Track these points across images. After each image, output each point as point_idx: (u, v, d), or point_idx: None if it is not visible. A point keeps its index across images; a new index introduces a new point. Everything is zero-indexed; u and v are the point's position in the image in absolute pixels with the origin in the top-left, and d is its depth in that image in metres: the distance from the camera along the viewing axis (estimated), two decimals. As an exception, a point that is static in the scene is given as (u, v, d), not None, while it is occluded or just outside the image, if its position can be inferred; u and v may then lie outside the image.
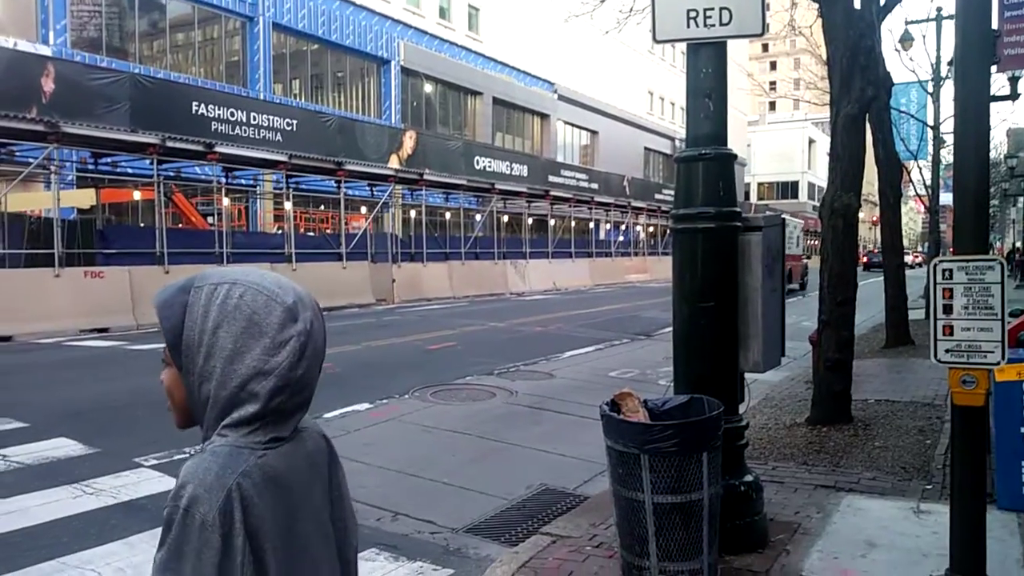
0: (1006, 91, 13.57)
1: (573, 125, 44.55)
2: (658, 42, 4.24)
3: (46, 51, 19.29)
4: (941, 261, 3.12)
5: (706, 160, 4.04)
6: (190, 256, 16.83)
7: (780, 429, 6.62)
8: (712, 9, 3.99)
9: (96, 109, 17.56)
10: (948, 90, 17.88)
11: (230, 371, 1.12)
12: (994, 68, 6.83)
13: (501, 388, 8.94)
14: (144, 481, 5.36)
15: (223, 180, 19.91)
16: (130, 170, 19.19)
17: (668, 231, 41.48)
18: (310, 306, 1.18)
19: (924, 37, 18.41)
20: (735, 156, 4.22)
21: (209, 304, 1.13)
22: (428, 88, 33.97)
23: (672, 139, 54.12)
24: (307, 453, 1.23)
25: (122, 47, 22.92)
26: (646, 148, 52.56)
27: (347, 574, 1.32)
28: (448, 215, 28.52)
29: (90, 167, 18.08)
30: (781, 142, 76.47)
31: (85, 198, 19.03)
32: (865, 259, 44.10)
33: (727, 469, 3.77)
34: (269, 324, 1.13)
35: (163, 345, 1.19)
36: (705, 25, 4.01)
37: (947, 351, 3.11)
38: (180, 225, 21.37)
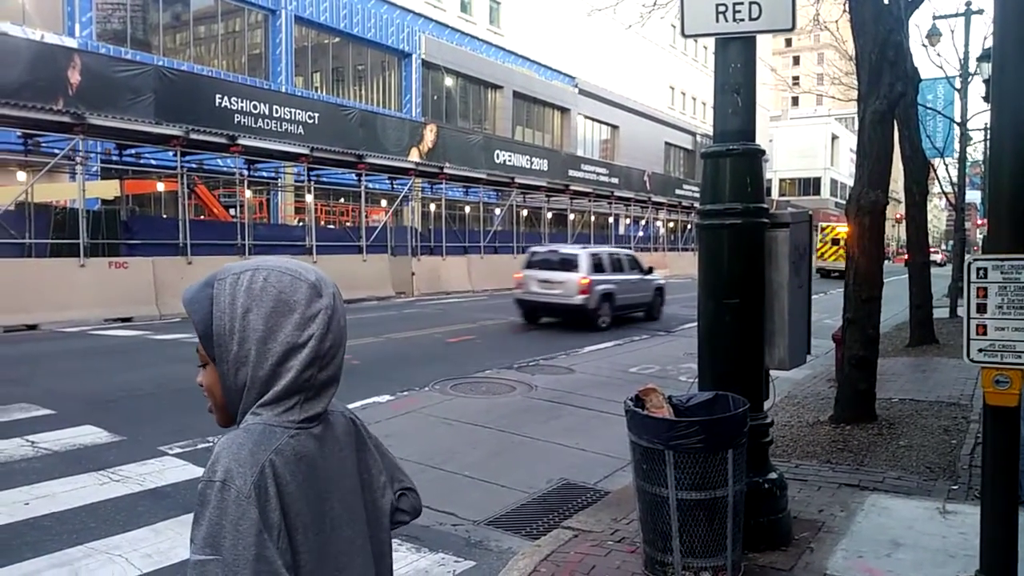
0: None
1: (594, 119, 44.38)
2: (687, 37, 4.21)
3: (72, 43, 19.50)
4: (976, 260, 3.07)
5: (734, 156, 4.01)
6: (212, 247, 16.97)
7: (803, 427, 6.57)
8: (742, 4, 3.96)
9: (121, 101, 17.71)
10: (975, 86, 17.64)
11: (264, 351, 1.15)
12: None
13: (521, 382, 8.95)
14: (169, 469, 5.42)
15: (245, 172, 20.04)
16: (153, 162, 19.39)
17: (688, 226, 41.32)
18: (330, 284, 1.23)
19: (952, 32, 18.12)
20: (763, 152, 4.19)
21: (235, 292, 1.16)
22: (449, 82, 33.97)
23: (693, 134, 53.78)
24: (337, 436, 1.26)
25: (146, 39, 23.12)
26: (667, 143, 52.27)
27: (381, 555, 1.33)
28: (468, 209, 28.52)
29: (114, 158, 18.24)
30: (804, 138, 75.66)
31: (109, 189, 19.23)
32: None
33: (751, 466, 3.75)
34: (297, 301, 1.17)
35: (187, 335, 1.22)
36: (735, 20, 3.98)
37: (980, 350, 3.07)
38: (203, 217, 21.54)
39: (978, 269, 3.03)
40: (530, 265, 14.94)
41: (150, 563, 3.87)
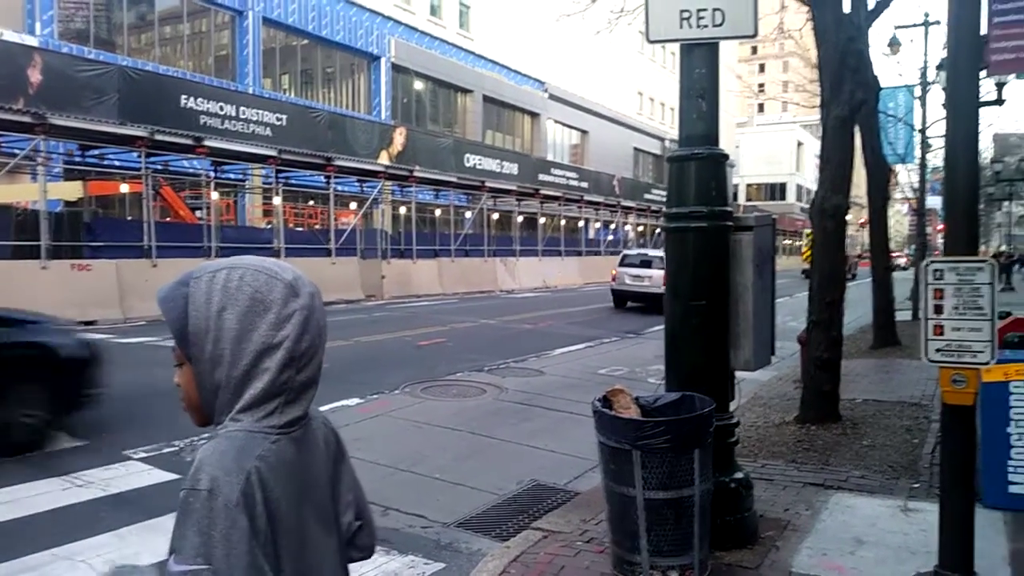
0: (993, 96, 13.72)
1: (563, 124, 44.59)
2: (651, 42, 4.27)
3: (33, 42, 19.10)
4: (932, 262, 3.16)
5: (698, 160, 4.07)
6: (178, 250, 16.72)
7: (769, 427, 6.68)
8: (705, 10, 4.02)
9: (84, 101, 17.40)
10: (935, 94, 18.05)
11: (239, 351, 1.14)
12: (983, 73, 6.90)
13: (491, 384, 8.96)
14: (134, 474, 5.34)
15: (212, 174, 19.79)
16: (118, 163, 19.05)
17: (657, 231, 41.65)
18: (308, 284, 1.22)
19: (912, 42, 18.54)
20: (726, 156, 4.26)
21: (211, 290, 1.15)
22: (419, 85, 33.90)
23: (662, 140, 54.26)
24: (316, 442, 1.25)
25: (110, 39, 22.73)
26: (636, 148, 52.67)
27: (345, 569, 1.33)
28: (438, 212, 28.47)
29: (77, 159, 17.91)
30: (769, 144, 76.79)
31: (72, 190, 18.86)
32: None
33: (718, 466, 3.81)
34: (272, 300, 1.16)
35: (152, 339, 1.22)
36: (698, 26, 4.04)
37: (938, 351, 3.15)
38: (168, 219, 21.22)
39: (935, 271, 3.11)
40: (623, 264, 19.86)
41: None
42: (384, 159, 26.23)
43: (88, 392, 6.18)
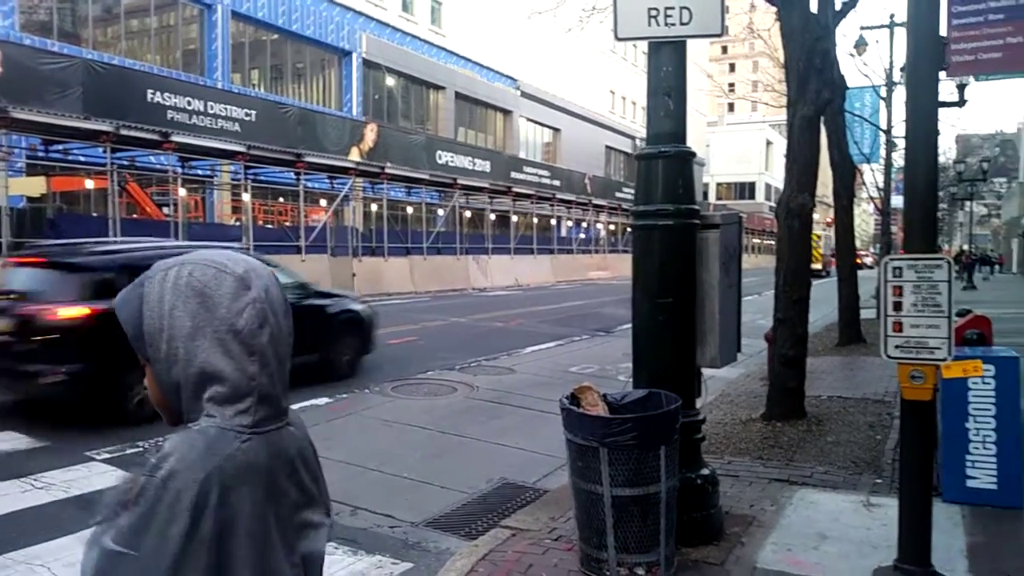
0: (955, 98, 13.97)
1: (536, 122, 44.63)
2: (620, 39, 4.28)
3: (-7, 34, 18.69)
4: (891, 259, 3.21)
5: (665, 158, 4.09)
6: (144, 247, 16.43)
7: (736, 424, 6.74)
8: (673, 9, 4.04)
9: (47, 95, 17.03)
10: (900, 95, 18.35)
11: (193, 348, 1.12)
12: (943, 75, 7.03)
13: (462, 383, 8.94)
14: (96, 475, 5.25)
15: (179, 170, 19.52)
16: (83, 158, 18.68)
17: (629, 229, 41.87)
18: (264, 275, 1.18)
19: (878, 43, 18.84)
20: (694, 154, 4.29)
21: (163, 289, 1.13)
22: (390, 81, 33.71)
23: (633, 138, 54.52)
24: (289, 448, 1.21)
25: (75, 32, 22.29)
26: (607, 147, 52.91)
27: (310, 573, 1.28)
28: (410, 209, 28.33)
29: (40, 154, 17.55)
30: (739, 143, 77.61)
31: (35, 186, 18.46)
32: None
33: (684, 463, 3.83)
34: (221, 295, 1.13)
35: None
36: (666, 24, 4.06)
37: (896, 347, 3.20)
38: (135, 216, 20.88)
39: (894, 268, 3.16)
40: None
41: (73, 572, 3.72)
42: (355, 155, 26.05)
43: (372, 343, 9.72)
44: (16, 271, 7.11)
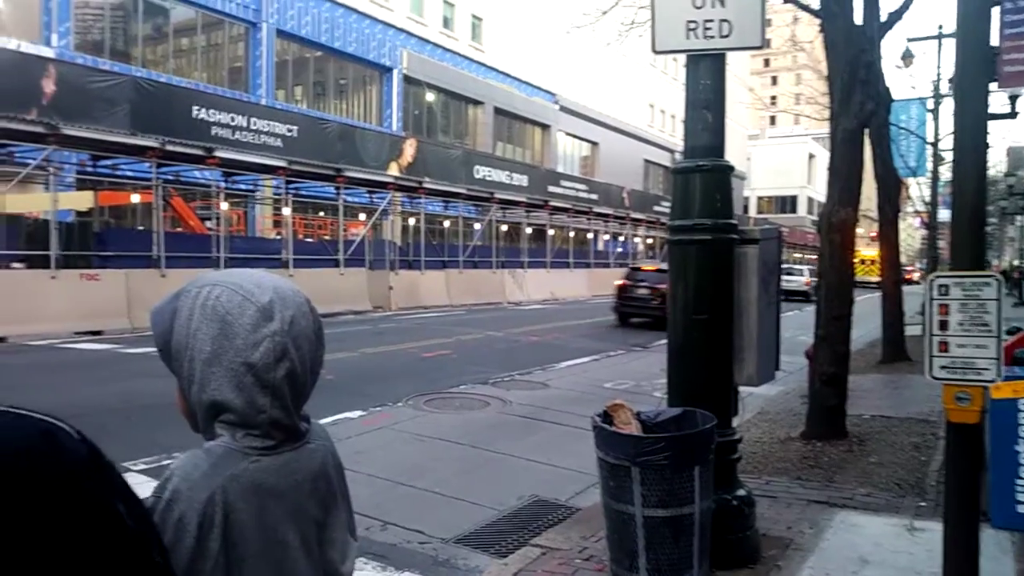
0: (1007, 109, 13.61)
1: (574, 136, 44.63)
2: (657, 53, 4.23)
3: (49, 53, 19.28)
4: (938, 276, 3.09)
5: (703, 172, 4.03)
6: (187, 260, 16.78)
7: (774, 443, 6.58)
8: (712, 21, 3.99)
9: (96, 111, 17.52)
10: (948, 107, 17.94)
11: (208, 374, 1.10)
12: (994, 86, 6.83)
13: (495, 397, 8.90)
14: (133, 487, 5.29)
15: (222, 184, 19.89)
16: (129, 173, 19.16)
17: (665, 243, 41.53)
18: (292, 305, 1.14)
19: (925, 54, 18.47)
20: (732, 168, 4.21)
21: (193, 307, 1.12)
22: (430, 97, 34.03)
23: (672, 152, 54.15)
24: (309, 467, 1.19)
25: (126, 51, 22.96)
26: (646, 160, 52.63)
27: None
28: (447, 223, 28.50)
29: (89, 169, 18.04)
30: (781, 156, 76.61)
31: (83, 200, 18.98)
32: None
33: (719, 483, 3.74)
34: (241, 325, 1.11)
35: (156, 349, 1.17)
36: (704, 37, 4.01)
37: (942, 367, 3.08)
38: (178, 229, 21.33)
39: (940, 286, 3.05)
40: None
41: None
42: (394, 170, 26.29)
43: None
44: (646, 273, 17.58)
